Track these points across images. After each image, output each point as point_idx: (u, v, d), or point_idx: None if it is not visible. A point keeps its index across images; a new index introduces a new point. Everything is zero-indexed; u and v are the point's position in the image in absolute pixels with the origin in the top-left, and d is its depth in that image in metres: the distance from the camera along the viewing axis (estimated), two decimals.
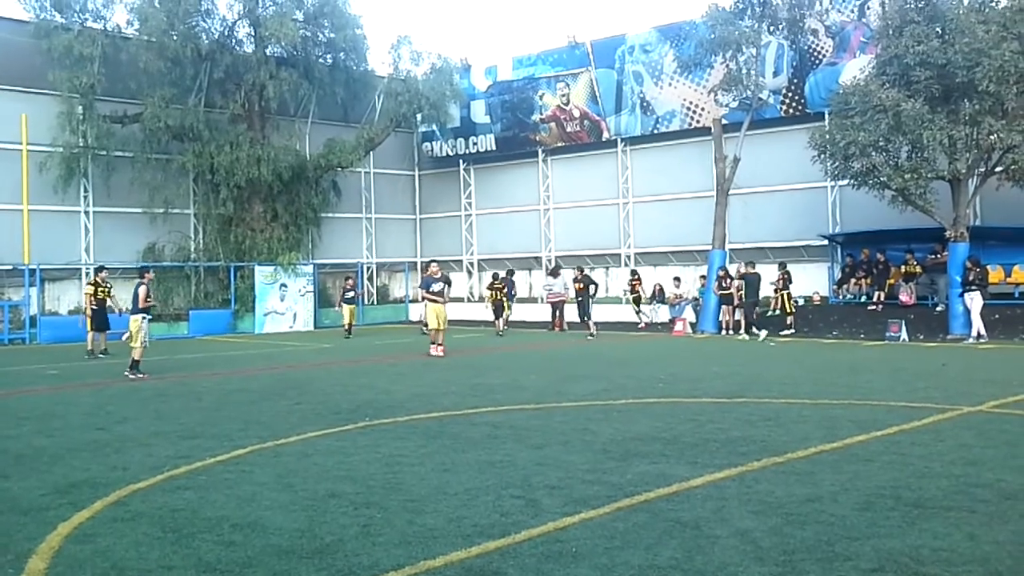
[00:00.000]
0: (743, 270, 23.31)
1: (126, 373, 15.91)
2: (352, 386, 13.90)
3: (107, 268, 23.52)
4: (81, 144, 27.40)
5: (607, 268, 31.85)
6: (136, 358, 15.95)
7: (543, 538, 5.47)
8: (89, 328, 21.52)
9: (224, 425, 10.29)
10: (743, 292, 22.97)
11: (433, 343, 18.87)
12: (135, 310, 16.25)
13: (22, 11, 27.05)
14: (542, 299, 31.03)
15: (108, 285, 22.02)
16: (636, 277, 28.95)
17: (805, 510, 5.94)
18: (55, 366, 18.58)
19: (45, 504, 6.75)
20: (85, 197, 28.70)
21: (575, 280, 26.49)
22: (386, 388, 13.45)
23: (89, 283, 22.78)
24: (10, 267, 26.69)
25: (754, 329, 22.47)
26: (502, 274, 29.09)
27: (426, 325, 20.94)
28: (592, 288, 25.98)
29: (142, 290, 16.19)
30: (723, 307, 24.27)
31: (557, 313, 27.07)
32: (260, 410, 11.43)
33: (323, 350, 21.76)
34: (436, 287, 19.13)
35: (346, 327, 26.63)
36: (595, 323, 24.82)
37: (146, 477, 7.56)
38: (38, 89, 27.05)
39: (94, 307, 21.51)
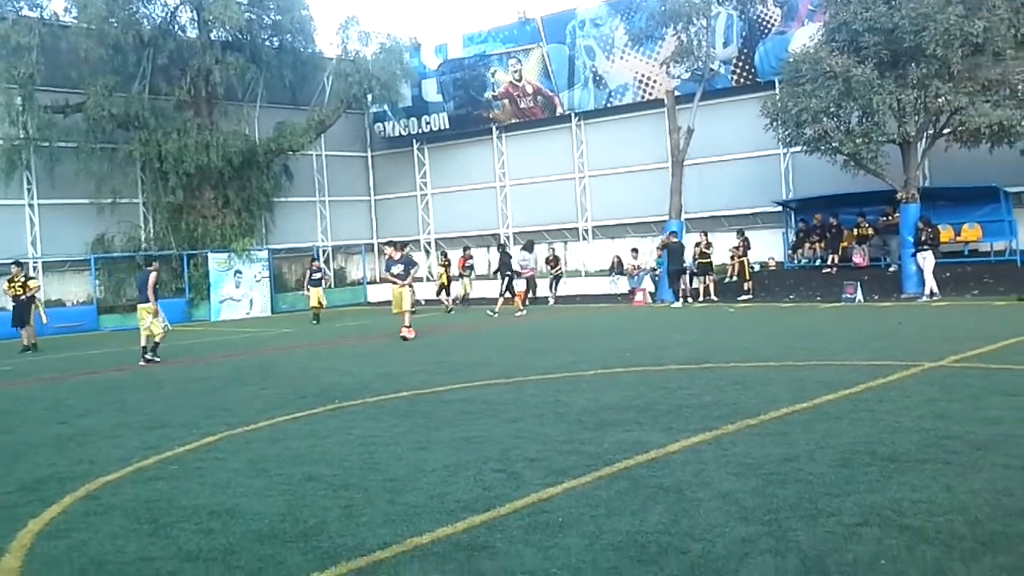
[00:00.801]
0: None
1: (148, 357, 16.23)
2: (315, 369, 13.76)
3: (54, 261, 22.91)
4: (22, 136, 26.65)
5: (565, 242, 31.89)
6: (157, 341, 16.44)
7: (528, 510, 5.45)
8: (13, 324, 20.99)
9: (190, 413, 10.12)
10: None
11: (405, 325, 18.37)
12: (144, 298, 16.46)
13: None
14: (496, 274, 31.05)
15: (25, 279, 21.22)
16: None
17: (784, 469, 6.01)
18: (6, 362, 18.10)
19: (12, 502, 6.58)
20: (29, 189, 27.97)
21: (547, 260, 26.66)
22: (350, 370, 13.34)
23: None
24: None
25: (680, 299, 23.41)
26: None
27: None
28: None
29: (151, 278, 16.46)
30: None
31: (528, 289, 27.11)
32: (225, 397, 11.27)
33: (283, 335, 21.51)
34: (395, 269, 18.91)
35: (314, 311, 25.62)
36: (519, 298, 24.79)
37: (115, 469, 7.40)
38: None
39: (13, 303, 21.00)
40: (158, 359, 16.28)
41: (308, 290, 26.06)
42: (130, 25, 27.39)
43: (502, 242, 28.00)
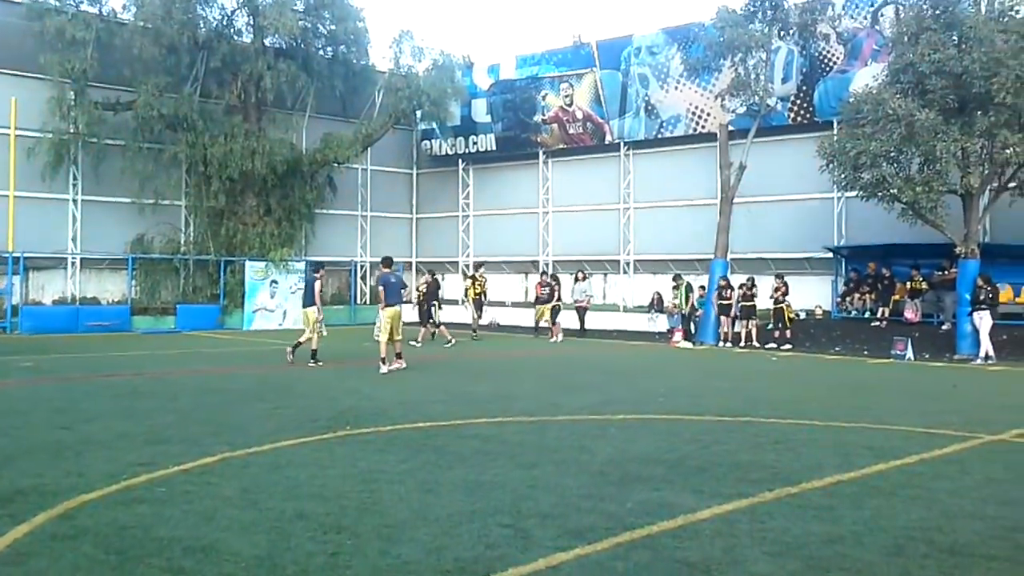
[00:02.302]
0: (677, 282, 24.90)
1: (310, 363, 16.59)
2: (336, 390, 13.25)
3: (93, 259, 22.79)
4: (71, 130, 26.73)
5: (605, 274, 31.23)
6: (301, 342, 17.06)
7: None
8: None
9: (195, 428, 9.64)
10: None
11: (383, 358, 15.78)
12: (311, 302, 17.13)
13: None
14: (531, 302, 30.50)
15: None
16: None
17: (827, 553, 5.30)
18: (30, 358, 17.87)
19: None
20: (74, 185, 28.02)
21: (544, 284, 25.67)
22: (371, 393, 12.79)
23: None
24: None
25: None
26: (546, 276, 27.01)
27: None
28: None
29: (317, 284, 17.25)
30: (722, 318, 23.66)
31: (574, 319, 26.72)
32: (236, 413, 10.78)
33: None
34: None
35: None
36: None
37: (101, 486, 6.91)
38: (29, 73, 26.40)
39: None
40: (298, 361, 16.68)
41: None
42: (186, 26, 27.41)
43: (430, 269, 26.69)
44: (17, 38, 25.81)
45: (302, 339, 17.17)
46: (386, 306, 16.13)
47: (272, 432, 9.36)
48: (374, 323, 17.82)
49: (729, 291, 23.40)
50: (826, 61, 25.27)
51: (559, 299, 25.16)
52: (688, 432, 9.59)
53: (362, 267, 34.42)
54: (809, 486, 7.01)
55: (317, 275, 17.71)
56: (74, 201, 28.06)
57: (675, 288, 24.90)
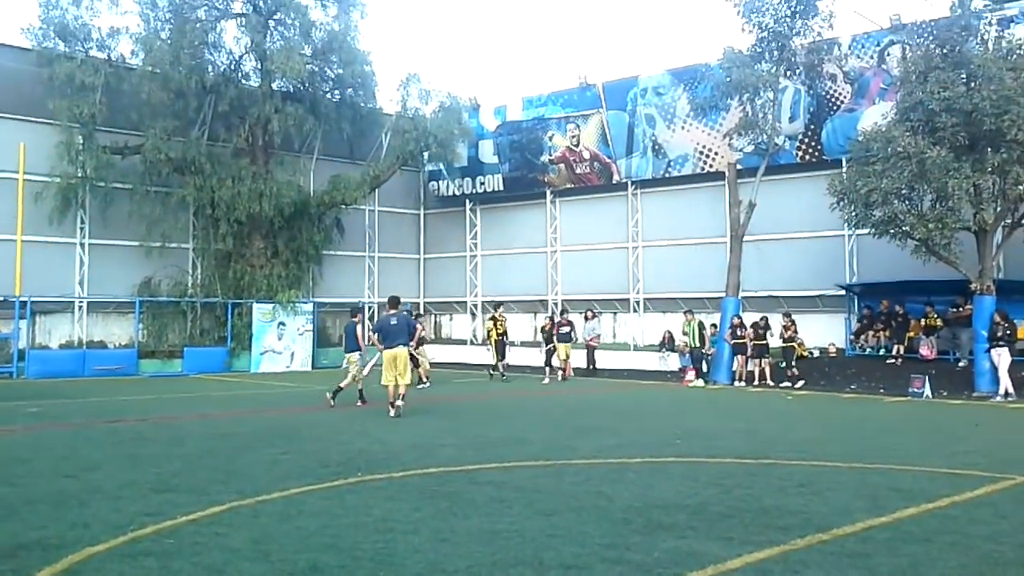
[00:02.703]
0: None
1: (337, 398, 16.88)
2: (346, 433, 13.00)
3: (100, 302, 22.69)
4: (79, 175, 26.75)
5: (615, 313, 31.01)
6: (359, 388, 17.30)
7: None
8: None
9: (203, 475, 9.41)
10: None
11: (391, 402, 15.34)
12: (354, 347, 17.45)
13: (23, 39, 26.59)
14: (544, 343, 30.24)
15: None
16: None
17: None
18: (37, 403, 17.66)
19: None
20: (81, 229, 28.03)
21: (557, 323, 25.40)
22: (381, 437, 12.53)
23: None
24: (1, 299, 25.88)
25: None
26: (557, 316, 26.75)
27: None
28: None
29: (359, 329, 17.56)
30: (737, 357, 23.39)
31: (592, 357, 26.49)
32: (244, 460, 10.53)
33: (319, 392, 20.78)
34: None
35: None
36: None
37: (107, 538, 6.67)
38: (37, 118, 26.52)
39: None
40: (333, 404, 16.68)
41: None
42: (194, 71, 27.56)
43: (359, 306, 25.73)
44: (27, 84, 25.98)
45: (343, 383, 17.20)
46: (385, 348, 15.50)
47: (281, 479, 9.12)
48: (378, 366, 16.89)
49: (742, 329, 23.15)
50: (833, 100, 25.27)
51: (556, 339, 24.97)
52: (708, 475, 9.32)
53: (370, 308, 34.24)
54: (841, 532, 6.74)
55: (356, 319, 17.89)
56: (81, 245, 28.04)
57: (687, 323, 24.41)
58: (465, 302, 34.77)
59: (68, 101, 26.01)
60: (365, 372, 17.93)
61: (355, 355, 17.39)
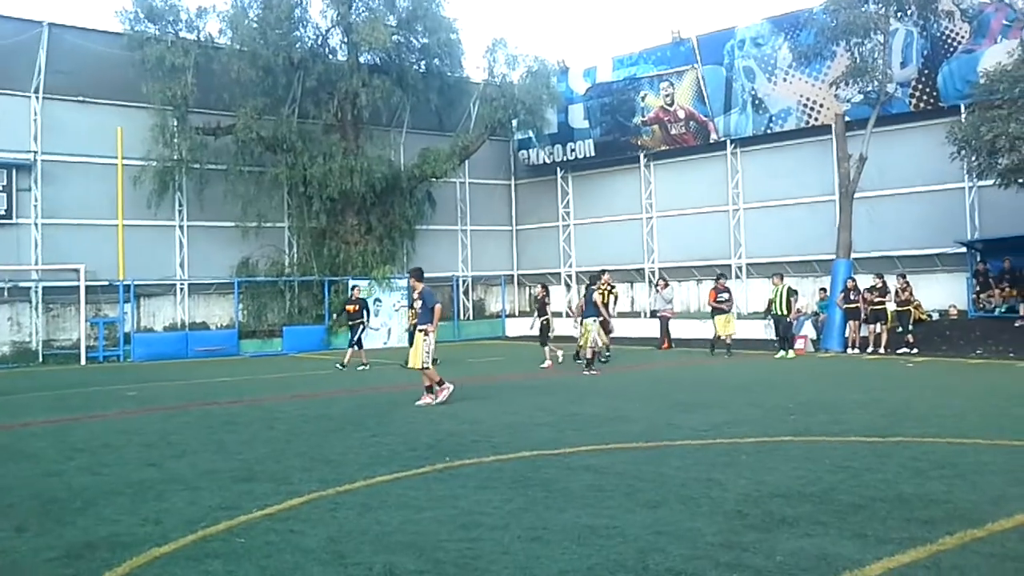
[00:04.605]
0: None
1: (589, 370, 17.72)
2: (435, 412, 12.49)
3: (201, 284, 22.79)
4: (175, 157, 27.01)
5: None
6: (588, 357, 18.04)
7: None
8: None
9: (287, 462, 8.98)
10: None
11: (428, 388, 13.66)
12: (593, 312, 18.28)
13: (115, 23, 26.87)
14: (647, 314, 29.29)
15: None
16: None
17: None
18: (136, 387, 17.78)
19: (44, 573, 5.49)
20: (179, 211, 28.36)
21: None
22: (473, 417, 11.95)
23: None
24: (106, 283, 26.43)
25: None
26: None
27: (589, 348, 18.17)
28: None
29: (597, 296, 18.40)
30: (849, 322, 21.97)
31: (662, 332, 25.03)
32: (332, 444, 10.07)
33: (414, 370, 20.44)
34: (416, 306, 14.33)
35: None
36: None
37: (177, 535, 6.24)
38: (132, 102, 26.81)
39: None
40: (595, 371, 17.63)
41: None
42: (282, 47, 27.42)
43: (353, 285, 24.18)
44: (120, 69, 26.22)
45: (588, 353, 18.10)
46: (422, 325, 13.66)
47: (367, 465, 8.61)
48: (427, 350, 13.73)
49: (855, 293, 21.74)
50: (949, 41, 23.37)
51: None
52: (831, 457, 8.37)
53: (464, 282, 33.88)
54: (997, 527, 5.77)
55: (595, 287, 18.64)
56: (180, 227, 28.40)
57: (774, 289, 21.68)
58: (559, 273, 34.01)
59: (160, 84, 26.20)
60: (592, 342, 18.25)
61: (589, 321, 18.14)
